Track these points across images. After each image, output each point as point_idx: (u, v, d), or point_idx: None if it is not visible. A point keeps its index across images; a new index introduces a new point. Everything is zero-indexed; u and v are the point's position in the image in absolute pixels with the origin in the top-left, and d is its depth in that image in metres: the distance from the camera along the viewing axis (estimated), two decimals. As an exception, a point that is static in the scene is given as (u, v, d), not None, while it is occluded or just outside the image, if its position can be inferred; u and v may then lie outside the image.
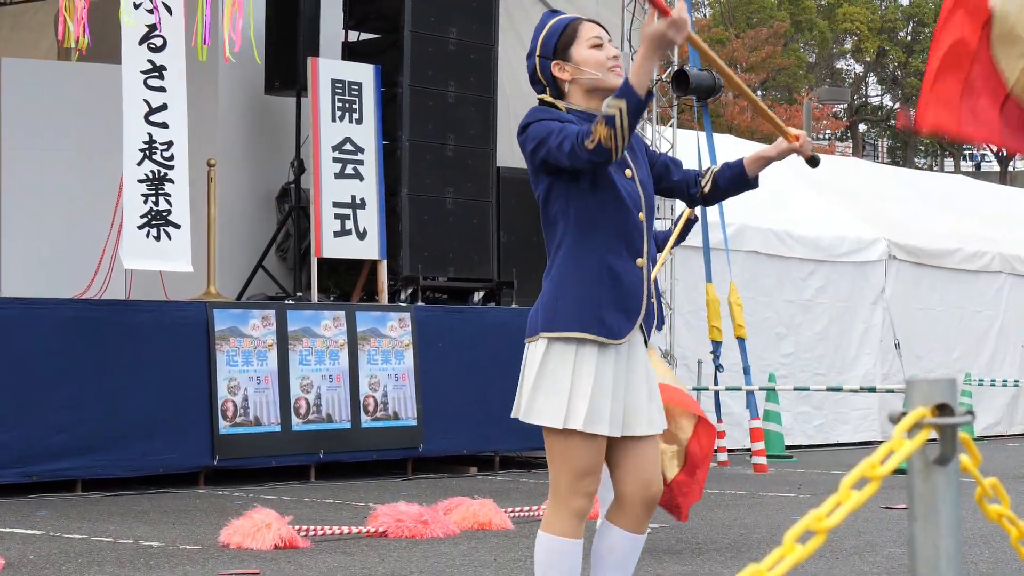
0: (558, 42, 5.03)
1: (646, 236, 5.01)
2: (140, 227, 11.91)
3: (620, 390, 4.94)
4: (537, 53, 5.07)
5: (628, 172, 4.99)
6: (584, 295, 4.92)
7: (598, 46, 4.99)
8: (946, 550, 2.62)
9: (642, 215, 4.99)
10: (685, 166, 5.31)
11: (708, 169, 5.29)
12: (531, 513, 10.22)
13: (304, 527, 8.98)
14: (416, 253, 14.35)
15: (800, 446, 18.05)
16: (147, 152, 11.98)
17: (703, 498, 11.98)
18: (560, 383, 4.90)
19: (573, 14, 5.15)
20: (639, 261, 4.99)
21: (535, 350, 4.96)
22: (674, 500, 8.03)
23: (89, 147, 13.89)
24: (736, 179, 5.22)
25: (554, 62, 5.02)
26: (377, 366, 13.27)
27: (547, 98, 5.06)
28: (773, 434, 16.39)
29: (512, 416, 5.07)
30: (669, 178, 5.25)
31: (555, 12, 5.17)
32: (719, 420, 15.90)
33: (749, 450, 15.48)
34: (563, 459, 4.93)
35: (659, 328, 10.12)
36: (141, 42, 11.98)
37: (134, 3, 11.91)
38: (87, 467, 11.65)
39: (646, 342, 5.08)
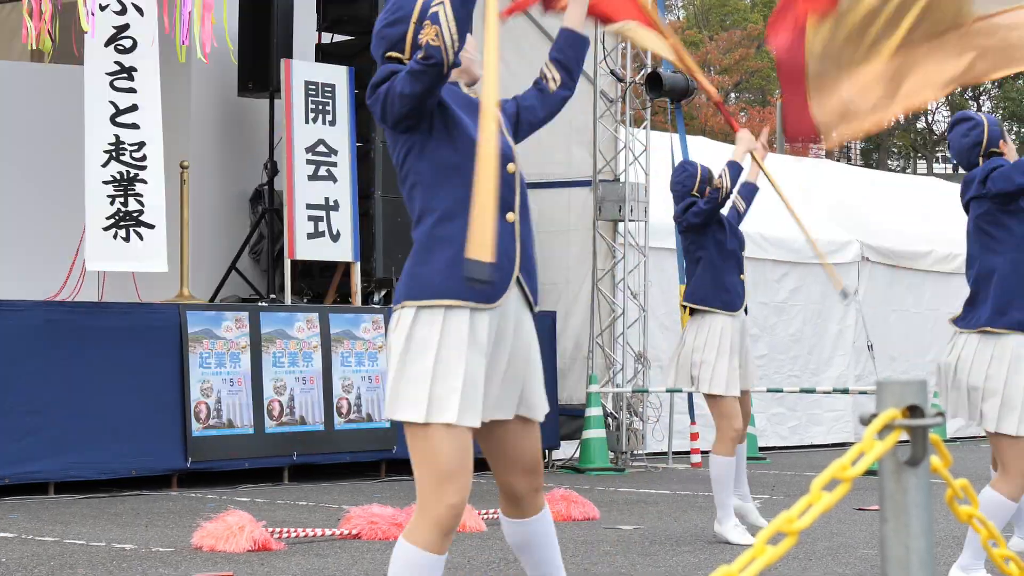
0: None
1: (517, 189, 4.75)
2: (106, 228, 11.88)
3: (500, 367, 4.61)
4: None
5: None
6: (449, 257, 4.59)
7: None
8: (917, 551, 2.63)
9: (512, 167, 4.73)
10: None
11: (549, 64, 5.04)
12: (505, 515, 10.22)
13: (278, 529, 8.97)
14: (389, 255, 14.34)
15: (774, 447, 18.07)
16: (114, 153, 11.95)
17: (678, 499, 12.00)
18: (424, 366, 4.53)
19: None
20: (509, 216, 4.71)
21: (400, 323, 4.61)
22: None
23: (62, 148, 13.85)
24: (567, 41, 5.01)
25: None
26: (351, 368, 13.25)
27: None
28: (747, 436, 16.40)
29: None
30: (534, 112, 5.00)
31: None
32: (693, 422, 15.92)
33: (723, 452, 15.48)
34: (424, 458, 4.55)
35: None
36: (108, 43, 11.95)
37: (100, 4, 11.87)
38: (59, 470, 11.61)
39: (532, 308, 4.77)
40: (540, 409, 4.78)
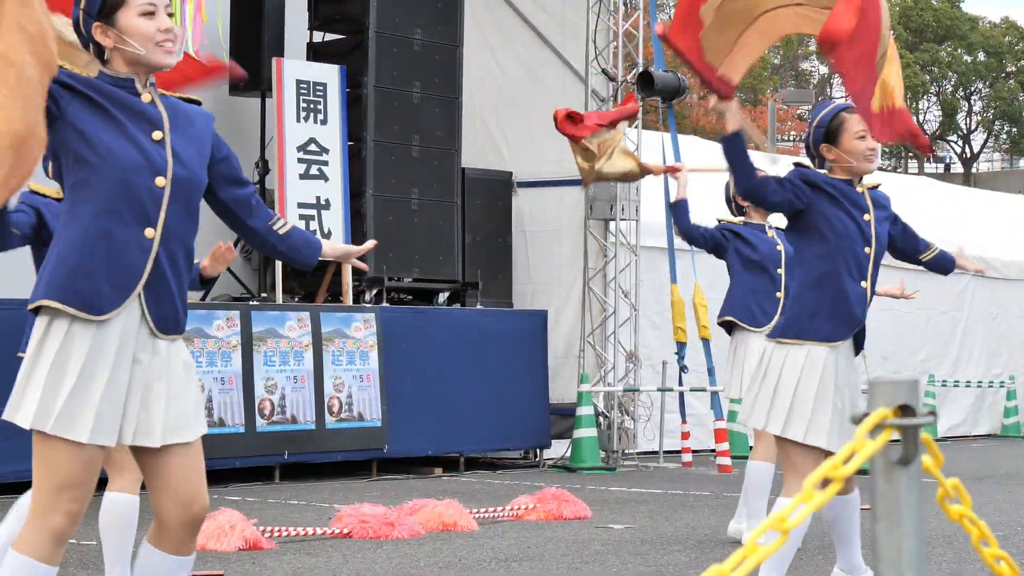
0: (105, 1, 4.42)
1: (164, 206, 4.41)
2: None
3: (120, 386, 4.31)
4: (81, 7, 4.45)
5: (157, 135, 4.46)
6: (64, 260, 4.31)
7: (149, 14, 4.41)
8: (908, 550, 2.63)
9: (161, 180, 4.40)
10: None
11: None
12: (496, 514, 10.22)
13: (269, 528, 8.96)
14: (381, 254, 14.34)
15: (765, 447, 18.06)
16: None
17: (669, 498, 12.00)
18: (41, 369, 4.28)
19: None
20: (148, 232, 4.37)
21: (36, 327, 4.35)
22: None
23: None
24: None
25: (96, 23, 4.42)
26: (342, 367, 13.25)
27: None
28: (737, 435, 16.40)
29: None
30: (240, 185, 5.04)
31: None
32: (684, 421, 15.92)
33: (713, 451, 15.49)
34: (44, 465, 4.33)
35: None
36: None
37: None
38: (50, 468, 11.58)
39: (169, 332, 4.43)
40: (154, 434, 4.43)
